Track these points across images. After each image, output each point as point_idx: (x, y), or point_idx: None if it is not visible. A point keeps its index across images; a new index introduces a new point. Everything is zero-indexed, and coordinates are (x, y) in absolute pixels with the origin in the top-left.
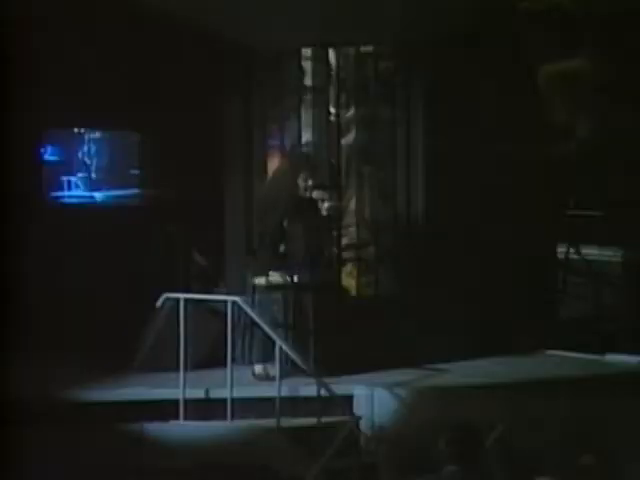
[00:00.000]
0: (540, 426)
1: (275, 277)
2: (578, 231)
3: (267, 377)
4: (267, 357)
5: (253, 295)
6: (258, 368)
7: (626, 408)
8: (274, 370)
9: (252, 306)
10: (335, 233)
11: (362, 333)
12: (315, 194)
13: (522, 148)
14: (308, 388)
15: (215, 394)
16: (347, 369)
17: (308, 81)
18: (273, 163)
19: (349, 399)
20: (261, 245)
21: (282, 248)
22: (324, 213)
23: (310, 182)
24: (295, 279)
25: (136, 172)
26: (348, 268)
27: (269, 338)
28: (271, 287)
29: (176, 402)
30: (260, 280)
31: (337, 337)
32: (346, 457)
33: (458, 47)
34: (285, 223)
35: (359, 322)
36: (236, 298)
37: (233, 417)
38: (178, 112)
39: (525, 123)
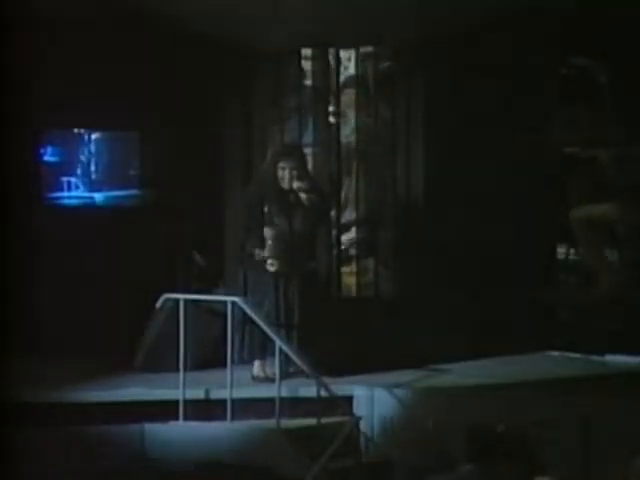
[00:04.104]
0: (540, 426)
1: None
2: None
3: (266, 378)
4: (265, 358)
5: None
6: (256, 369)
7: (626, 408)
8: (272, 371)
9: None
10: (321, 228)
11: (362, 333)
12: (295, 185)
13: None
14: (308, 388)
15: (215, 394)
16: (347, 369)
17: (308, 81)
18: None
19: (349, 399)
20: (246, 237)
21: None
22: (306, 204)
23: (288, 172)
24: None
25: (136, 172)
26: (347, 266)
27: (268, 338)
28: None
29: (176, 402)
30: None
31: (336, 337)
32: (346, 457)
33: None
34: (265, 210)
35: (358, 322)
36: (236, 298)
37: (233, 417)
38: (178, 112)
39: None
